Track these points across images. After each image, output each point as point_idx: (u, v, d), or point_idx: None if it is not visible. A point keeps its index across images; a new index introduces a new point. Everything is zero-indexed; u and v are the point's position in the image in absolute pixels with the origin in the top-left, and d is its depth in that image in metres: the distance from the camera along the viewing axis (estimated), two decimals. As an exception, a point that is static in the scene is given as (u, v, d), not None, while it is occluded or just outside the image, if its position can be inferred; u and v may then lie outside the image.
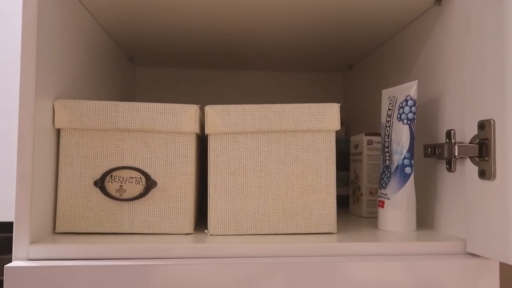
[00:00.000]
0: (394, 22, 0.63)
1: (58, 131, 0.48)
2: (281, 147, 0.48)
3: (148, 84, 0.92)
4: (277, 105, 0.48)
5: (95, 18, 0.62)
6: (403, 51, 0.65)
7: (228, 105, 0.48)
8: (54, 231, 0.47)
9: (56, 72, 0.48)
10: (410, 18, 0.61)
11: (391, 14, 0.60)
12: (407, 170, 0.50)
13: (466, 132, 0.46)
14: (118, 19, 0.63)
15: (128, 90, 0.85)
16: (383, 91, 0.56)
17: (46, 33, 0.45)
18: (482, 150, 0.43)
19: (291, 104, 0.48)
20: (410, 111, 0.51)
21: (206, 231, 0.48)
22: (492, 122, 0.42)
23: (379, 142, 0.64)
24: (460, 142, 0.47)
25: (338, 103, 0.96)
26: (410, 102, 0.51)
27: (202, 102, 0.93)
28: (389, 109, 0.54)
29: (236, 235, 0.47)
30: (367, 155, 0.63)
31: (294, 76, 0.95)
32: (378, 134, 0.64)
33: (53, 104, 0.47)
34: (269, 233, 0.48)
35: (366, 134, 0.64)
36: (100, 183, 0.46)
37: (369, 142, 0.64)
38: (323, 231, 0.48)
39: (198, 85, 0.93)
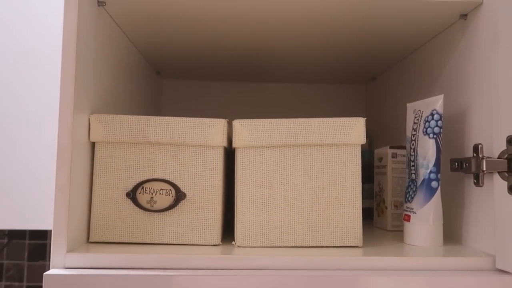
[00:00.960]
0: (418, 35, 0.63)
1: (93, 144, 0.50)
2: (307, 161, 0.49)
3: (174, 97, 0.94)
4: (303, 120, 0.49)
5: (125, 34, 0.65)
6: (427, 64, 0.65)
7: (255, 119, 0.49)
8: (88, 241, 0.49)
9: (92, 88, 0.50)
10: (435, 32, 0.61)
11: (415, 28, 0.60)
12: (434, 184, 0.50)
13: (494, 147, 0.46)
14: (147, 35, 0.65)
15: (155, 103, 0.88)
16: (408, 105, 0.57)
17: (84, 51, 0.48)
18: (511, 165, 0.43)
19: (317, 118, 0.49)
20: (436, 125, 0.51)
21: (233, 242, 0.49)
22: (521, 137, 0.42)
23: (404, 155, 0.64)
24: (488, 157, 0.46)
25: (361, 115, 0.97)
26: (436, 116, 0.51)
27: (227, 114, 0.94)
28: (415, 123, 0.54)
29: (262, 247, 0.48)
30: (391, 168, 0.64)
31: (317, 88, 0.96)
32: (403, 147, 0.64)
33: (89, 119, 0.49)
34: (295, 245, 0.48)
35: (391, 147, 0.64)
36: (132, 195, 0.48)
37: (394, 155, 0.64)
38: (349, 245, 0.48)
39: (223, 98, 0.95)
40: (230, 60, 0.78)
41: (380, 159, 0.66)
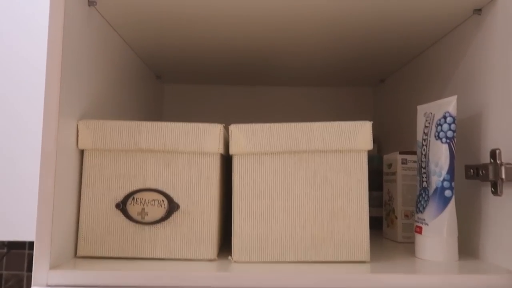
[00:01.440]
0: (429, 33, 0.59)
1: (81, 152, 0.47)
2: (309, 169, 0.46)
3: (176, 101, 0.91)
4: (304, 124, 0.46)
5: (121, 36, 0.62)
6: (439, 64, 0.61)
7: (253, 124, 0.46)
8: (75, 255, 0.46)
9: (81, 92, 0.48)
10: (447, 29, 0.57)
11: (426, 25, 0.56)
12: (447, 193, 0.46)
13: (514, 153, 0.42)
14: (144, 37, 0.62)
15: (156, 108, 0.85)
16: (419, 107, 0.53)
17: (72, 53, 0.45)
18: (534, 173, 0.39)
19: (320, 123, 0.46)
20: (450, 129, 0.47)
21: (229, 257, 0.46)
22: (545, 142, 0.38)
23: (414, 161, 0.60)
24: (508, 163, 0.42)
25: (369, 118, 0.93)
26: (449, 119, 0.47)
27: (231, 118, 0.91)
28: (426, 127, 0.50)
29: (261, 262, 0.45)
30: (401, 175, 0.60)
31: (323, 91, 0.92)
32: (413, 153, 0.60)
33: (77, 125, 0.46)
34: (296, 261, 0.45)
35: (401, 153, 0.60)
36: (122, 206, 0.45)
37: (404, 161, 0.60)
38: (355, 260, 0.45)
39: (227, 101, 0.92)
40: (233, 62, 0.75)
41: (389, 165, 0.63)
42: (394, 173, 0.61)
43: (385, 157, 0.64)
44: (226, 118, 0.91)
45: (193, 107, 0.91)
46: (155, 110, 0.85)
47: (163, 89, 0.91)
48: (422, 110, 0.52)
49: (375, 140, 0.89)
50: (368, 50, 0.68)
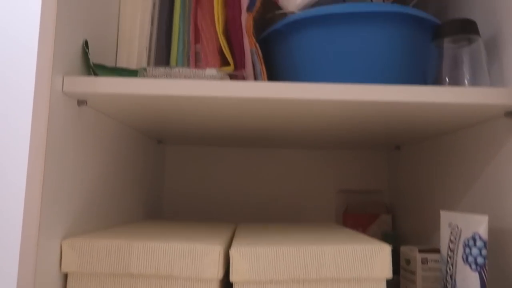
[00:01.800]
0: (452, 124, 0.54)
1: (65, 276, 0.42)
2: (319, 300, 0.40)
3: (178, 162, 0.87)
4: (314, 248, 0.40)
5: (116, 119, 0.58)
6: (464, 152, 0.56)
7: (257, 247, 0.41)
8: None
9: (68, 200, 0.43)
10: (473, 123, 0.52)
11: (448, 118, 0.51)
12: (479, 331, 0.40)
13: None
14: (143, 120, 0.58)
15: (158, 170, 0.81)
16: (442, 214, 0.47)
17: (58, 155, 0.41)
18: None
19: (332, 246, 0.40)
20: (480, 254, 0.41)
21: None
22: None
23: (436, 261, 0.54)
24: (551, 309, 0.37)
25: (383, 183, 0.87)
26: (479, 243, 0.41)
27: (235, 179, 0.86)
28: (451, 242, 0.45)
29: None
30: (421, 276, 0.54)
31: (332, 154, 0.87)
32: (435, 251, 0.54)
33: (61, 245, 0.42)
34: None
35: (420, 251, 0.54)
36: None
37: (424, 261, 0.54)
38: None
39: (230, 162, 0.87)
40: (237, 132, 0.70)
41: (407, 261, 0.57)
42: (413, 273, 0.55)
43: (402, 250, 0.59)
44: (230, 179, 0.86)
45: (195, 167, 0.87)
46: (157, 173, 0.80)
47: (164, 151, 0.87)
48: (446, 218, 0.47)
49: (389, 209, 0.84)
50: (385, 130, 0.62)
